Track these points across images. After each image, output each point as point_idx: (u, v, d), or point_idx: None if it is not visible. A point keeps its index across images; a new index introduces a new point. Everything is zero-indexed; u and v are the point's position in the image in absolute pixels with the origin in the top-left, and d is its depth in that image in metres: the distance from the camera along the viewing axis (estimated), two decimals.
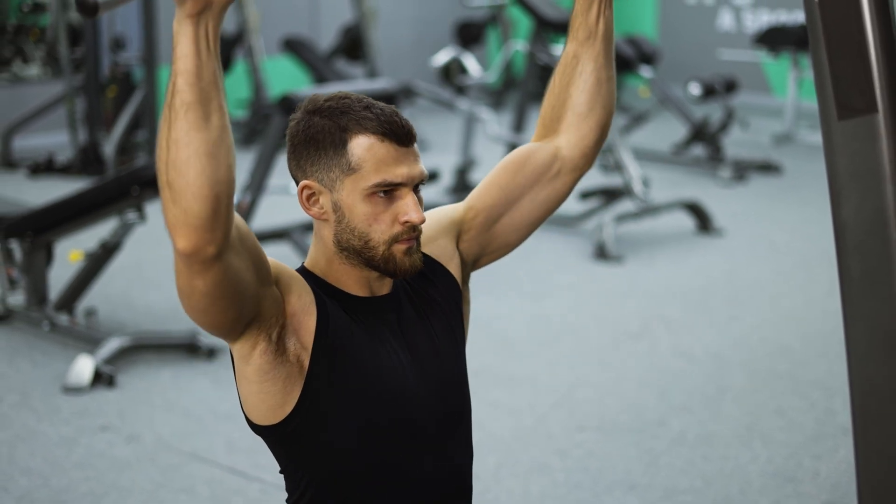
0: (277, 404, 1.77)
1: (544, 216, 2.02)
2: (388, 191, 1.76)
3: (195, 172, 1.50)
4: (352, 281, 1.82)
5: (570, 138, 2.01)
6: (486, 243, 1.99)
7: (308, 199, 1.80)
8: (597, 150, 2.03)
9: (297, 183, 1.82)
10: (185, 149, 1.50)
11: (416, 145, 1.80)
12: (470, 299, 2.00)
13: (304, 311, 1.75)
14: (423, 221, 1.78)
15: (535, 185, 1.99)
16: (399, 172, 1.76)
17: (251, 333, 1.72)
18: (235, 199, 5.04)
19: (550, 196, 2.00)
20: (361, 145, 1.75)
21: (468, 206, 1.98)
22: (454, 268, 1.95)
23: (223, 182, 1.52)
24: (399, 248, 1.78)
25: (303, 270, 1.85)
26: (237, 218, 1.62)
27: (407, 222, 1.76)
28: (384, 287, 1.85)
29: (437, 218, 1.96)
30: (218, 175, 1.51)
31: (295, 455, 1.81)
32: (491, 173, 2.01)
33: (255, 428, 1.83)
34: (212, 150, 1.51)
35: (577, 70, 1.99)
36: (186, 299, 1.63)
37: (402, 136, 1.77)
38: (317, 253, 1.84)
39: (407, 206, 1.76)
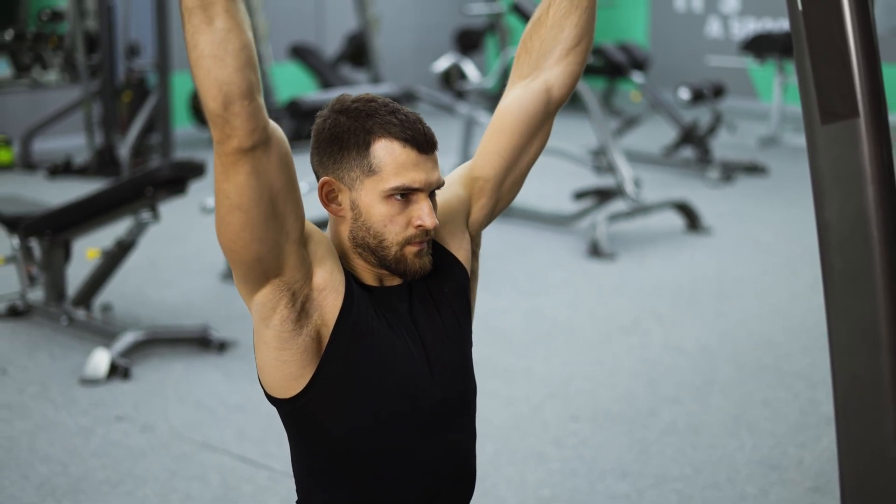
0: (293, 376, 1.76)
1: (535, 160, 2.01)
2: (405, 194, 1.76)
3: (203, 73, 1.54)
4: (365, 273, 1.82)
5: (560, 72, 1.97)
6: (494, 205, 1.98)
7: (328, 195, 1.80)
8: (579, 75, 2.00)
9: (318, 178, 1.81)
10: (193, 51, 1.54)
11: (436, 153, 1.80)
12: (478, 272, 1.99)
13: (333, 289, 1.74)
14: (435, 227, 1.78)
15: (532, 138, 1.97)
16: (417, 178, 1.76)
17: (273, 291, 1.70)
18: None
19: (541, 142, 1.99)
20: (384, 149, 1.75)
21: (473, 178, 1.96)
22: (463, 253, 1.93)
23: (231, 83, 1.54)
24: (411, 250, 1.78)
25: None
26: (284, 148, 1.63)
27: (420, 226, 1.77)
28: (394, 279, 1.85)
29: (447, 201, 1.93)
30: (223, 76, 1.54)
31: (306, 431, 1.81)
32: (488, 138, 1.97)
33: (271, 399, 1.82)
34: (216, 52, 1.53)
35: (574, 3, 1.95)
36: (216, 204, 1.65)
37: (423, 144, 1.77)
38: (331, 241, 1.84)
39: (422, 211, 1.77)
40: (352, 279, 1.78)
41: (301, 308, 1.72)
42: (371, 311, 1.79)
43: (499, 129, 1.96)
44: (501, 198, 1.98)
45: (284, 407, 1.80)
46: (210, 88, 1.54)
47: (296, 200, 1.68)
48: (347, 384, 1.77)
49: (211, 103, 1.55)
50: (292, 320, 1.72)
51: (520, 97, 1.96)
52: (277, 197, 1.64)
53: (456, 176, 1.98)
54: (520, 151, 1.96)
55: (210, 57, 1.53)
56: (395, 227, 1.77)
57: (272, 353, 1.75)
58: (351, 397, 1.78)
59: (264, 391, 1.81)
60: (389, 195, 1.75)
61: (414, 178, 1.75)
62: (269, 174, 1.61)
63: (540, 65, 1.97)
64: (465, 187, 1.96)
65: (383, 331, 1.79)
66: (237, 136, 1.56)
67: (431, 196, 1.79)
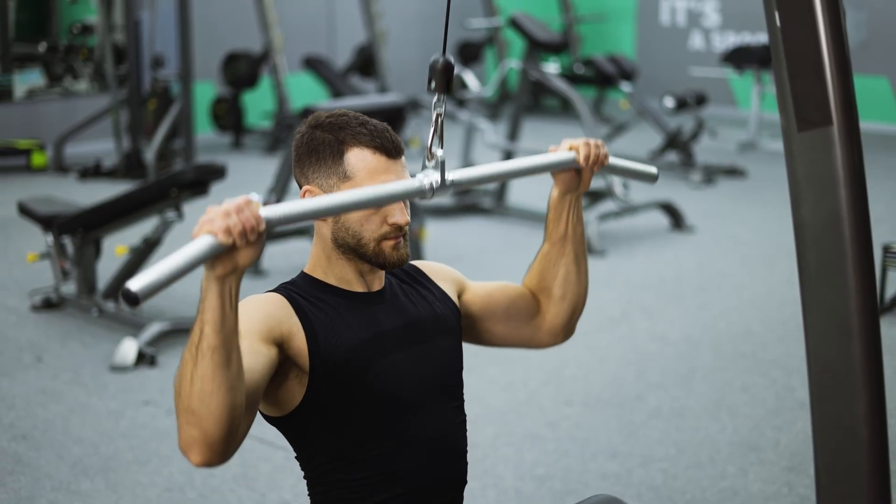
0: (284, 404, 1.80)
1: (517, 345, 2.11)
2: None
3: (217, 403, 1.51)
4: (350, 275, 1.85)
5: (546, 312, 2.07)
6: (471, 323, 2.04)
7: None
8: (569, 326, 2.09)
9: (300, 187, 1.85)
10: (210, 383, 1.51)
11: (403, 158, 1.84)
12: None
13: (300, 344, 1.77)
14: (407, 223, 1.82)
15: (520, 320, 2.06)
16: (388, 181, 1.79)
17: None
18: (261, 200, 5.05)
19: (529, 337, 2.09)
20: (356, 156, 1.79)
21: (472, 291, 2.04)
22: (455, 300, 2.01)
23: (239, 407, 1.54)
24: (387, 244, 1.81)
25: (301, 277, 1.88)
26: (246, 388, 1.62)
27: (394, 224, 1.80)
28: (377, 282, 1.89)
29: (451, 271, 2.04)
30: (236, 403, 1.53)
31: (305, 436, 1.83)
32: (499, 284, 2.07)
33: (267, 418, 1.85)
34: (233, 384, 1.53)
35: (551, 264, 2.05)
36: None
37: (391, 150, 1.81)
38: (317, 252, 1.87)
39: (394, 210, 1.80)
40: (305, 309, 1.80)
41: (276, 371, 1.76)
42: (341, 323, 1.81)
43: (510, 287, 2.08)
44: (473, 326, 2.05)
45: (283, 423, 1.83)
46: (222, 415, 1.51)
47: (265, 379, 1.69)
48: (335, 391, 1.79)
49: (217, 430, 1.52)
50: (273, 380, 1.77)
51: (521, 299, 2.07)
52: (257, 408, 1.68)
53: (455, 271, 2.06)
54: (511, 314, 2.06)
55: (229, 389, 1.52)
56: (370, 226, 1.80)
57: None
58: (341, 399, 1.80)
59: (263, 415, 1.84)
60: None
61: (385, 180, 1.79)
62: (252, 419, 1.64)
63: (539, 293, 2.08)
64: (463, 284, 2.05)
65: (361, 332, 1.82)
66: (227, 455, 1.56)
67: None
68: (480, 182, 1.86)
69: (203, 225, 1.47)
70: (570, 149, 1.95)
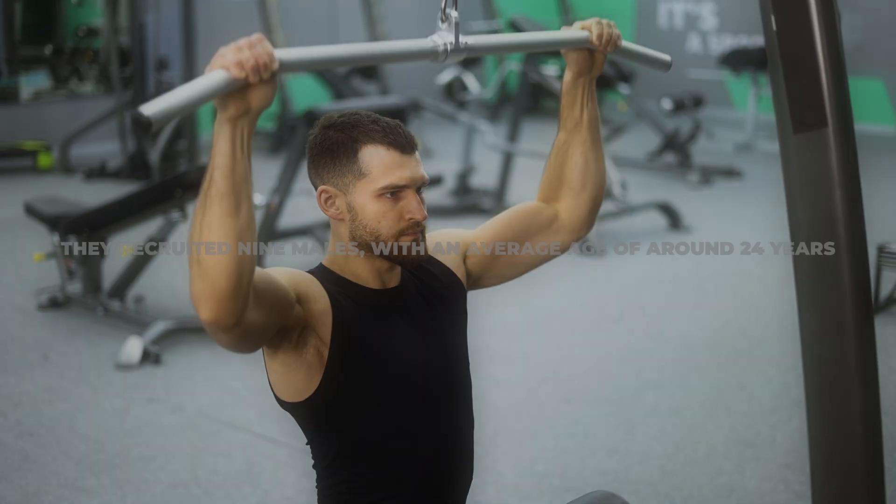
0: (302, 388, 1.78)
1: (540, 262, 2.06)
2: (395, 192, 1.78)
3: (224, 253, 1.50)
4: (366, 273, 1.84)
5: (567, 207, 2.04)
6: (487, 269, 2.02)
7: (326, 201, 1.82)
8: (591, 217, 2.06)
9: (316, 188, 1.84)
10: (217, 231, 1.49)
11: (417, 153, 1.83)
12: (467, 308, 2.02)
13: (322, 313, 1.76)
14: (425, 218, 1.81)
15: (538, 234, 2.03)
16: (403, 176, 1.78)
17: (276, 341, 1.73)
18: (265, 200, 5.07)
19: (549, 247, 2.05)
20: (370, 154, 1.77)
21: (477, 236, 2.02)
22: (461, 275, 1.98)
23: (247, 261, 1.52)
24: (406, 240, 1.80)
25: (320, 268, 1.86)
26: (257, 274, 1.60)
27: (411, 219, 1.79)
28: (393, 279, 1.87)
29: (452, 235, 2.01)
30: (245, 257, 1.51)
31: (319, 426, 1.83)
32: (503, 214, 2.05)
33: (283, 404, 1.84)
34: (241, 234, 1.50)
35: (569, 153, 2.02)
36: (216, 342, 1.63)
37: (404, 145, 1.80)
38: (334, 249, 1.86)
39: (411, 205, 1.79)
40: (336, 293, 1.79)
41: (298, 338, 1.75)
42: (363, 315, 1.80)
43: (513, 210, 2.04)
44: (493, 267, 2.03)
45: (299, 409, 1.82)
46: (228, 266, 1.49)
47: (281, 300, 1.67)
48: (351, 381, 1.79)
49: (223, 282, 1.49)
50: (292, 349, 1.75)
51: (533, 214, 2.03)
52: (270, 315, 1.65)
53: (454, 232, 2.04)
54: (524, 236, 2.03)
55: (235, 238, 1.50)
56: (388, 221, 1.78)
57: (279, 372, 1.79)
58: (356, 390, 1.79)
59: (279, 401, 1.83)
60: (380, 194, 1.78)
61: (400, 175, 1.78)
62: (260, 312, 1.60)
63: (554, 197, 2.05)
64: (466, 237, 2.02)
65: (379, 327, 1.81)
66: (236, 312, 1.52)
67: (419, 192, 1.82)
68: (495, 50, 1.81)
69: (215, 60, 1.45)
70: (583, 28, 1.93)
